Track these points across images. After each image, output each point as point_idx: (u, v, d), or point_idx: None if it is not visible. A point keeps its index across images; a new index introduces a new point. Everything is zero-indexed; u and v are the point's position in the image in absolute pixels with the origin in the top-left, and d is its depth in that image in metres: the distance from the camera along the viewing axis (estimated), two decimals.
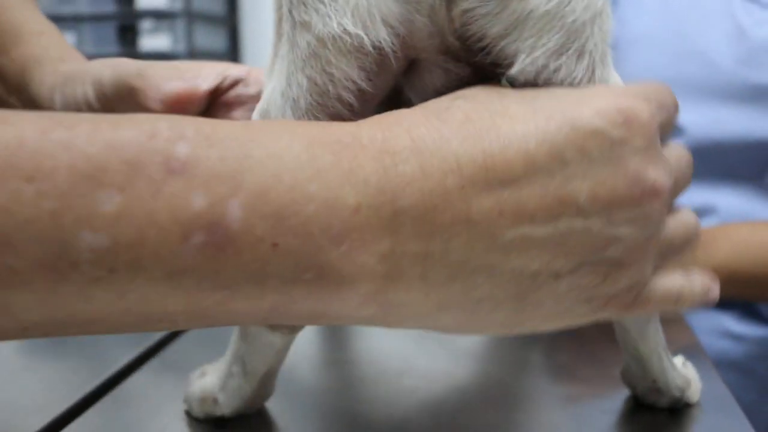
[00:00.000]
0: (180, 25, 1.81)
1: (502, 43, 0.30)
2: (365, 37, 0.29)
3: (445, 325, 0.30)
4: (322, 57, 0.29)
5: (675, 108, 0.33)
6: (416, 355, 0.52)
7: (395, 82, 0.32)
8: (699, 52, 0.74)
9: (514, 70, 0.30)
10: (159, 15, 1.83)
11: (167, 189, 0.24)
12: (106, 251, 0.23)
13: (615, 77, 0.34)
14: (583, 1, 0.31)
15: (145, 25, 1.84)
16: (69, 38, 1.82)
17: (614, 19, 0.79)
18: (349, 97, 0.30)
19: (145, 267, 0.24)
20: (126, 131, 0.24)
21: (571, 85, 0.31)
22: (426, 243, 0.27)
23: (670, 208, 0.32)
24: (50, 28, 0.54)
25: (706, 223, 0.75)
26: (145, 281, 0.24)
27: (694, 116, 0.72)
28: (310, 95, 0.30)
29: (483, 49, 0.30)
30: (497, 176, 0.27)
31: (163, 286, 0.24)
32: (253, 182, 0.25)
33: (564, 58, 0.31)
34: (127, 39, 1.84)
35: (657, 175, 0.29)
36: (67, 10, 1.83)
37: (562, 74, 0.31)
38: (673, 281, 0.32)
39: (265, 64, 0.33)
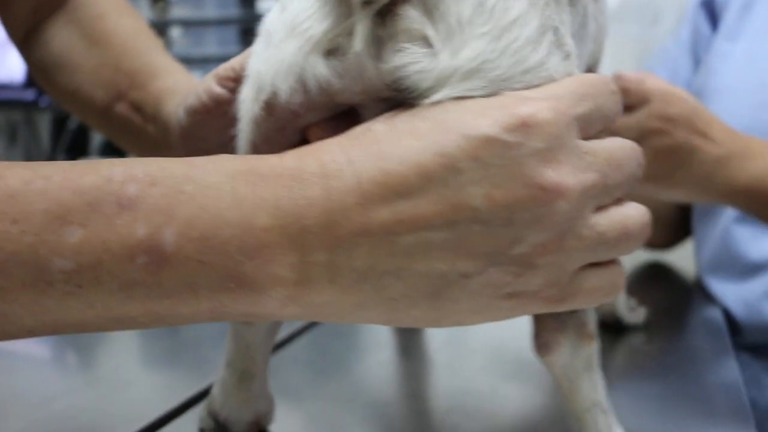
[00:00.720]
0: None
1: (433, 96, 0.32)
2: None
3: (373, 319, 0.33)
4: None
5: (609, 95, 0.34)
6: (465, 393, 0.54)
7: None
8: None
9: None
10: None
11: (118, 222, 0.30)
12: (72, 272, 0.30)
13: None
14: (511, 57, 0.33)
15: None
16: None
17: (703, 68, 0.79)
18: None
19: (104, 282, 0.30)
20: (89, 177, 0.31)
21: None
22: (330, 253, 0.31)
23: (603, 203, 0.33)
24: (180, 68, 0.63)
25: None
26: (106, 294, 0.31)
27: None
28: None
29: (416, 97, 0.33)
30: (394, 190, 0.31)
31: (120, 296, 0.31)
32: (184, 213, 0.31)
33: None
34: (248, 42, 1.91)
35: (558, 174, 0.31)
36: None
37: None
38: (606, 276, 0.34)
39: None
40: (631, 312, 0.71)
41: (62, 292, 0.30)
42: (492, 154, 0.30)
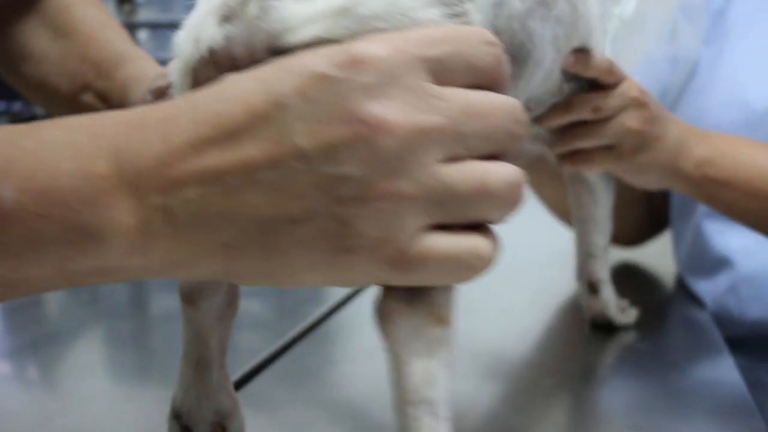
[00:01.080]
0: None
1: (298, 33, 0.32)
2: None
3: (213, 270, 0.32)
4: None
5: (480, 45, 0.32)
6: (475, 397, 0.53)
7: None
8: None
9: None
10: None
11: None
12: None
13: None
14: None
15: None
16: None
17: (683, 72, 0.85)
18: None
19: None
20: None
21: None
22: (164, 197, 0.30)
23: (457, 154, 0.31)
24: (146, 56, 0.62)
25: None
26: None
27: None
28: None
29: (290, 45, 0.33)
30: (224, 131, 0.30)
31: None
32: (22, 168, 0.30)
33: None
34: None
35: (384, 109, 0.29)
36: None
37: None
38: (463, 243, 0.31)
39: None
40: (622, 313, 0.71)
41: None
42: (319, 89, 0.30)
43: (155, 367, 0.62)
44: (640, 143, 0.65)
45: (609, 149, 0.65)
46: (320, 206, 0.30)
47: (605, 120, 0.64)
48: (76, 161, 0.30)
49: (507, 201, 0.31)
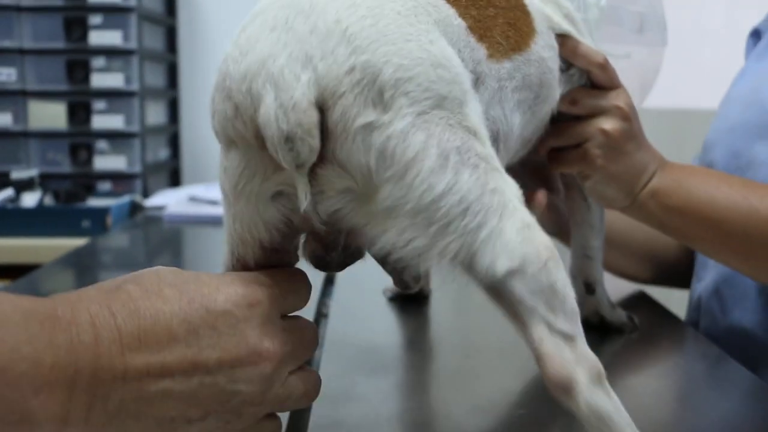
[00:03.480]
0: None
1: (363, 231, 0.44)
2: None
3: None
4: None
5: (301, 292, 0.45)
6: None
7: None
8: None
9: (377, 248, 0.43)
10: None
11: None
12: None
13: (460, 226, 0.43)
14: (417, 189, 0.42)
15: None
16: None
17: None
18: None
19: None
20: None
21: (418, 250, 0.42)
22: (92, 395, 0.36)
23: (295, 368, 0.43)
24: None
25: None
26: None
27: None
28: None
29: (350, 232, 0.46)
30: (148, 344, 0.38)
31: None
32: None
33: (412, 231, 0.42)
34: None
35: (270, 344, 0.41)
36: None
37: (414, 244, 0.42)
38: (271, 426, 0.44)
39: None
40: (613, 311, 0.77)
41: None
42: (226, 324, 0.40)
43: None
44: (609, 150, 0.66)
45: (578, 149, 0.66)
46: (212, 412, 0.40)
47: (583, 119, 0.66)
48: (31, 347, 0.34)
49: (315, 394, 0.45)
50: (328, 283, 0.94)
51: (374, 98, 0.42)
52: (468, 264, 0.43)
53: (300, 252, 0.48)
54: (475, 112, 0.46)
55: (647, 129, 0.70)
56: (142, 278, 0.40)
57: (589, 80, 0.67)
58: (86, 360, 0.36)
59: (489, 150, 0.45)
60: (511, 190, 0.45)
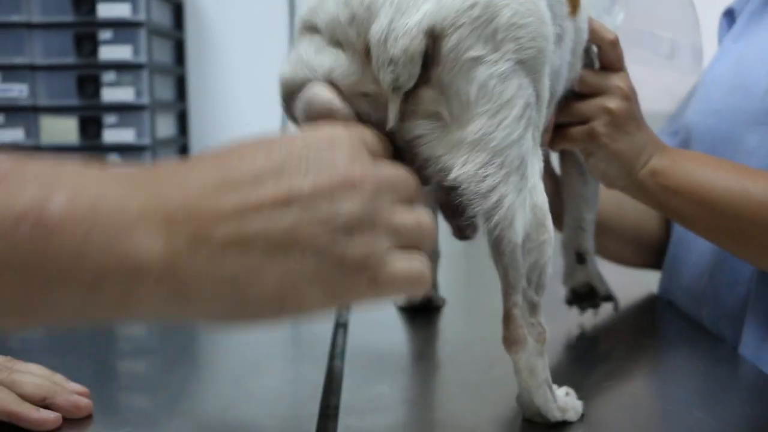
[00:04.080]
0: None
1: (438, 162, 0.48)
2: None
3: (233, 296, 0.38)
4: None
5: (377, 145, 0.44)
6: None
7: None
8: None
9: (450, 177, 0.47)
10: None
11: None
12: None
13: (535, 178, 0.49)
14: (503, 130, 0.46)
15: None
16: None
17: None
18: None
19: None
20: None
21: (490, 186, 0.47)
22: (192, 234, 0.36)
23: (402, 204, 0.42)
24: None
25: None
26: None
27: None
28: None
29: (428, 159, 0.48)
30: (236, 188, 0.38)
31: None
32: (72, 184, 0.34)
33: (489, 168, 0.47)
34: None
35: (361, 169, 0.41)
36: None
37: (487, 182, 0.47)
38: (409, 263, 0.41)
39: None
40: (601, 282, 0.81)
41: None
42: (312, 156, 0.40)
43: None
44: (613, 128, 0.68)
45: (584, 126, 0.69)
46: (321, 236, 0.39)
47: (587, 98, 0.69)
48: (120, 187, 0.35)
49: (431, 234, 0.43)
50: None
51: (487, 36, 0.46)
52: (509, 222, 0.48)
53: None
54: (547, 75, 0.50)
55: None
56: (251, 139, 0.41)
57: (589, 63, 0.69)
58: (174, 204, 0.36)
59: (541, 116, 0.50)
60: (540, 162, 0.50)
